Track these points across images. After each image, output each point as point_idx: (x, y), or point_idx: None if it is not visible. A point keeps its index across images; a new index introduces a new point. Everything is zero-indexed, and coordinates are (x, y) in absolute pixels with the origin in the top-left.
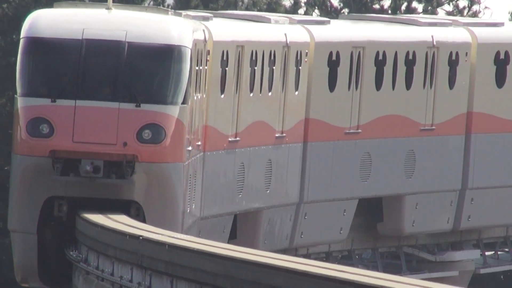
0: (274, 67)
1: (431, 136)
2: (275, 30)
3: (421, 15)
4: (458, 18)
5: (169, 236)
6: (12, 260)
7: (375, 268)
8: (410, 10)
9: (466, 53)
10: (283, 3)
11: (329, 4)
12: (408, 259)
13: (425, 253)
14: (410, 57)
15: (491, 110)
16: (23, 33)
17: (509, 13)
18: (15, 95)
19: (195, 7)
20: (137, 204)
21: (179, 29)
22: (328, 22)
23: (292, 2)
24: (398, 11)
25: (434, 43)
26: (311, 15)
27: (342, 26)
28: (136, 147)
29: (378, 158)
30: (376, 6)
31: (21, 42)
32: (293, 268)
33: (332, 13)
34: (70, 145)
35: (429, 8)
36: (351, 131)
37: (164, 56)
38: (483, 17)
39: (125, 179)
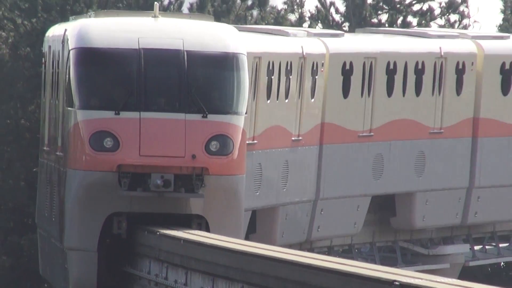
0: (290, 77)
1: (440, 139)
2: (292, 42)
3: (432, 28)
4: (466, 31)
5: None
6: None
7: (372, 261)
8: (405, 24)
9: (472, 63)
10: (289, 17)
11: (331, 18)
12: (403, 253)
13: (419, 247)
14: (420, 66)
15: (496, 115)
16: (73, 44)
17: (496, 26)
18: (68, 108)
19: None
20: (198, 218)
21: (233, 37)
22: (342, 35)
23: (298, 16)
24: (394, 25)
25: (442, 53)
26: (315, 28)
27: (355, 38)
28: (205, 159)
29: (390, 159)
30: (375, 20)
31: (73, 53)
32: (297, 261)
33: (334, 27)
34: (138, 159)
35: (423, 22)
36: (364, 134)
37: (225, 65)
38: (473, 30)
39: (195, 193)
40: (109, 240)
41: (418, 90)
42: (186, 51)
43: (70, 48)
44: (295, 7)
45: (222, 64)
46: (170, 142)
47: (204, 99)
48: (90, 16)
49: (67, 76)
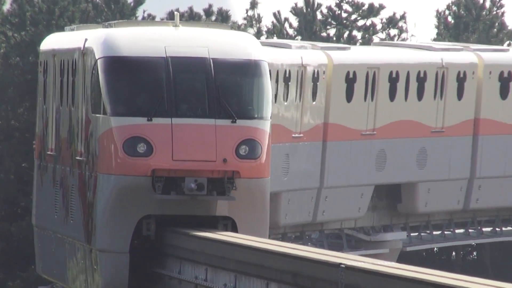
0: (289, 83)
1: (442, 137)
2: (292, 54)
3: (436, 42)
4: (470, 44)
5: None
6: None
7: (321, 246)
8: (351, 37)
9: (473, 72)
10: (249, 31)
11: (285, 32)
12: (348, 239)
13: (362, 234)
14: (422, 75)
15: (495, 116)
16: (100, 53)
17: (431, 39)
18: (96, 114)
19: None
20: (224, 219)
21: (254, 44)
22: (349, 48)
23: (256, 31)
24: (341, 38)
25: (444, 64)
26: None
27: (360, 50)
28: (236, 163)
29: (393, 153)
30: (324, 34)
31: (102, 62)
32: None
33: (288, 39)
34: (171, 164)
35: (366, 36)
36: (367, 133)
37: (250, 72)
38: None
39: (226, 195)
40: (137, 241)
41: (420, 95)
42: (212, 58)
43: (97, 57)
44: (254, 22)
45: (247, 71)
46: (202, 147)
47: (232, 105)
48: (110, 26)
49: (93, 84)
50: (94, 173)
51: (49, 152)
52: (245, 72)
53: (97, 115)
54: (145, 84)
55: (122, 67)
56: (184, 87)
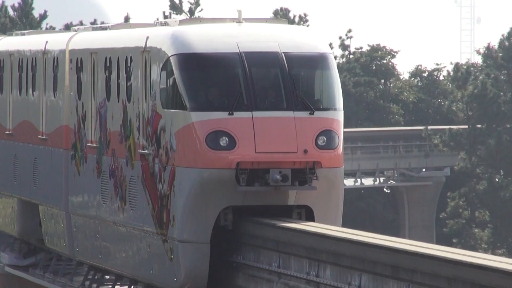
0: None
1: None
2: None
3: None
4: None
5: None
6: None
7: None
8: None
9: None
10: None
11: None
12: None
13: None
14: None
15: None
16: (174, 51)
17: None
18: (172, 110)
19: None
20: (298, 208)
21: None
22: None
23: None
24: None
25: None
26: None
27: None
28: (316, 153)
29: None
30: None
31: (177, 59)
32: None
33: None
34: (254, 156)
35: None
36: None
37: (321, 64)
38: None
39: (308, 185)
40: (215, 231)
41: None
42: (284, 53)
43: (169, 55)
44: None
45: (318, 64)
46: (283, 139)
47: (307, 97)
48: (166, 25)
49: (164, 80)
50: (171, 166)
51: (89, 144)
52: (316, 65)
53: (172, 110)
54: (222, 80)
55: (198, 64)
56: (260, 82)
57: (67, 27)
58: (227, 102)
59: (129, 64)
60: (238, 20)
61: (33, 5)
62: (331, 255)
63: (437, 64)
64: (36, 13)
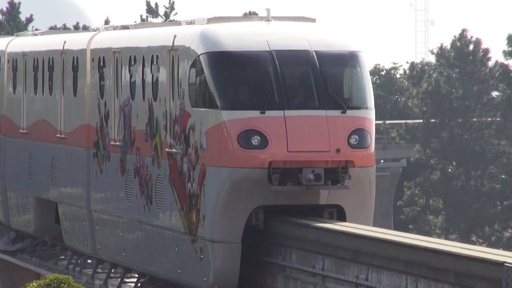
0: None
1: None
2: None
3: None
4: None
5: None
6: None
7: None
8: None
9: None
10: None
11: None
12: None
13: None
14: None
15: None
16: (203, 49)
17: None
18: (201, 108)
19: None
20: (329, 207)
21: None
22: None
23: None
24: None
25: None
26: None
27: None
28: (349, 153)
29: None
30: None
31: (207, 57)
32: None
33: None
34: (286, 155)
35: None
36: None
37: (352, 63)
38: None
39: (340, 184)
40: (246, 231)
41: None
42: (315, 51)
43: (199, 53)
44: None
45: (349, 62)
46: (315, 137)
47: (339, 95)
48: (193, 23)
49: (193, 79)
50: (201, 166)
51: (112, 142)
52: (347, 63)
53: (201, 109)
54: (253, 78)
55: (229, 62)
56: (291, 80)
57: (53, 29)
58: (258, 100)
59: (155, 63)
60: (266, 19)
61: (20, 9)
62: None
63: (394, 63)
64: (22, 17)
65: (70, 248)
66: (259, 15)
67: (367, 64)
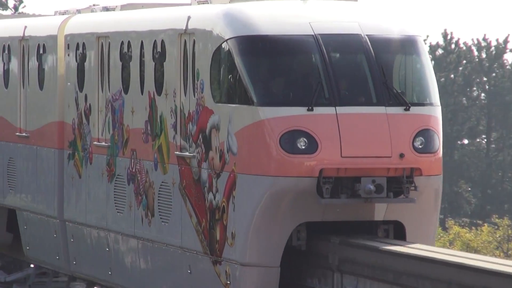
0: None
1: None
2: None
3: None
4: None
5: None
6: None
7: None
8: None
9: None
10: None
11: None
12: None
13: None
14: None
15: None
16: (232, 33)
17: None
18: (230, 104)
19: None
20: (385, 224)
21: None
22: None
23: None
24: None
25: None
26: None
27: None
28: (414, 158)
29: None
30: None
31: (237, 42)
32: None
33: None
34: (340, 161)
35: None
36: None
37: (413, 50)
38: None
39: (405, 197)
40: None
41: None
42: (367, 35)
43: (226, 38)
44: None
45: (408, 49)
46: (374, 140)
47: (401, 89)
48: (206, 3)
49: (218, 68)
50: (230, 173)
51: (96, 143)
52: (406, 50)
53: (230, 104)
54: (297, 68)
55: (266, 48)
56: (343, 71)
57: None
58: (304, 95)
59: (158, 50)
60: None
61: None
62: None
63: None
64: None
65: (32, 262)
66: None
67: (427, 51)
